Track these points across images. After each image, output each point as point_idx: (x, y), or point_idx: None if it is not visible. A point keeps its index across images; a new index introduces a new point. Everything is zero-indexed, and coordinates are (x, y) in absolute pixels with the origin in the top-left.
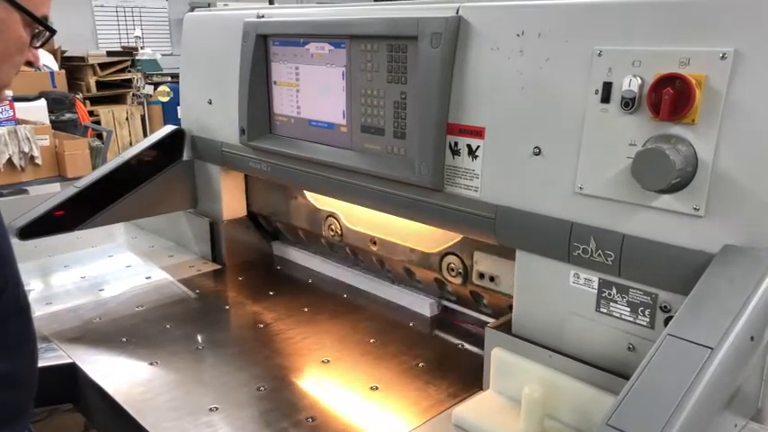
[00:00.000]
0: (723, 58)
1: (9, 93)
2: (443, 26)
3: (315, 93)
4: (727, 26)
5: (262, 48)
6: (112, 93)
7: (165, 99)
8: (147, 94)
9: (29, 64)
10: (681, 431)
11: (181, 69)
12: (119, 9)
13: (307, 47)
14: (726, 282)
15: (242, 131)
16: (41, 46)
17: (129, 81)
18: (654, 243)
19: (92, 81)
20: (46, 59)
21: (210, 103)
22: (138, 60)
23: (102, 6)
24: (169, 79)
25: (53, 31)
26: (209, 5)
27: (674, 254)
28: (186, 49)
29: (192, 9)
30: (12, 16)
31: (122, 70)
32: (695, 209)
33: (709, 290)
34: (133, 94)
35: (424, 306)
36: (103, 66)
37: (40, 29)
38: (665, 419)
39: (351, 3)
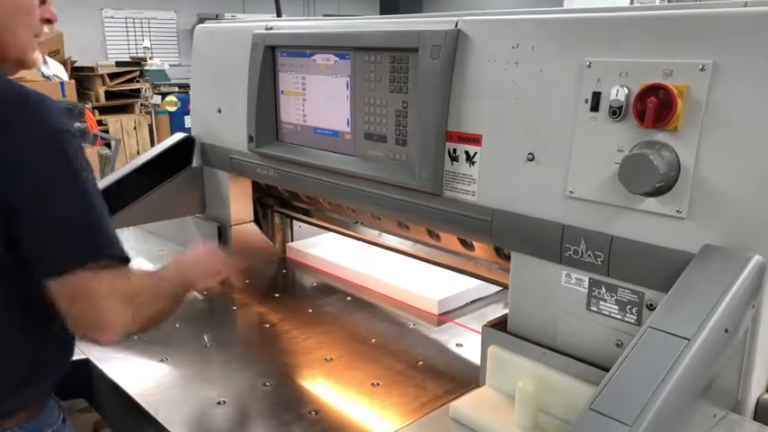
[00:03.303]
0: (702, 69)
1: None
2: (443, 39)
3: (320, 102)
4: (706, 40)
5: (270, 58)
6: (121, 102)
7: (173, 109)
8: (155, 104)
9: (47, 21)
10: (657, 415)
11: (191, 79)
12: (128, 20)
13: (313, 58)
14: (704, 278)
15: (250, 139)
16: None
17: (138, 91)
18: (640, 244)
19: (101, 91)
20: (56, 69)
21: (220, 111)
22: (147, 70)
23: (111, 17)
24: (177, 89)
25: None
26: (216, 17)
27: (659, 254)
28: (197, 60)
29: (201, 21)
30: None
31: (131, 80)
32: (678, 211)
33: (688, 286)
34: (141, 104)
35: (424, 308)
36: (112, 76)
37: None
38: (642, 404)
39: (355, 16)
